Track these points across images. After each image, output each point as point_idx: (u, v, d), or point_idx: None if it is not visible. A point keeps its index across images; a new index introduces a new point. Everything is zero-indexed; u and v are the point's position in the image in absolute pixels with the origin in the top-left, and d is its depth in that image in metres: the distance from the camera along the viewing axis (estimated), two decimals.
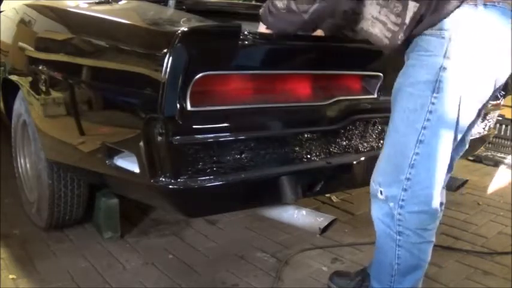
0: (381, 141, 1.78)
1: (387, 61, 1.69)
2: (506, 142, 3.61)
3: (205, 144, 1.34)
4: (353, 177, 1.76)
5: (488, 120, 2.31)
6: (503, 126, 3.59)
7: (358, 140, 1.71)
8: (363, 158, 1.70)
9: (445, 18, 1.18)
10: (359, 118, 1.67)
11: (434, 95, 1.19)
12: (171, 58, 1.20)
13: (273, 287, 1.77)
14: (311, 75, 1.59)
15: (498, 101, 2.30)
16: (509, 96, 2.42)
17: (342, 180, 1.81)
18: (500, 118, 3.41)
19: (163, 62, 1.21)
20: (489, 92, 1.26)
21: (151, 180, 1.34)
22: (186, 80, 1.25)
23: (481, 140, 2.37)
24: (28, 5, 2.06)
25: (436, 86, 1.19)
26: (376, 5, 1.27)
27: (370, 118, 1.71)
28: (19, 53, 1.99)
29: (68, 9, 1.83)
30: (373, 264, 1.48)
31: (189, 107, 1.28)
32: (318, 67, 1.57)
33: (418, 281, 1.41)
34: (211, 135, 1.35)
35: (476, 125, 1.45)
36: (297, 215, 1.63)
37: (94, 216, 2.14)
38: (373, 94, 1.72)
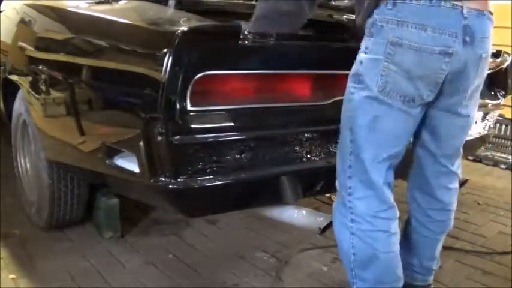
0: None
1: None
2: (506, 142, 3.61)
3: (205, 144, 1.34)
4: None
5: (488, 120, 2.31)
6: (503, 126, 3.59)
7: None
8: None
9: (365, 16, 1.23)
10: None
11: (356, 85, 1.24)
12: (171, 58, 1.21)
13: (273, 287, 1.77)
14: (311, 75, 1.59)
15: (498, 101, 2.30)
16: (509, 96, 2.42)
17: None
18: (500, 118, 3.40)
19: (163, 62, 1.21)
20: (411, 91, 1.20)
21: (151, 180, 1.34)
22: (186, 80, 1.25)
23: (481, 140, 2.37)
24: (28, 5, 2.06)
25: (356, 79, 1.24)
26: None
27: None
28: (19, 52, 1.99)
29: (68, 9, 1.83)
30: None
31: (189, 107, 1.28)
32: (318, 67, 1.57)
33: (381, 274, 1.35)
34: (211, 135, 1.35)
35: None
36: (297, 215, 1.63)
37: (94, 216, 2.14)
38: None
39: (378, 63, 1.19)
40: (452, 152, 1.45)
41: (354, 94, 1.25)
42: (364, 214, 1.31)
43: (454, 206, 1.53)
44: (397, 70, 1.17)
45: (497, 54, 2.28)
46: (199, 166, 1.35)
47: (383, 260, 1.33)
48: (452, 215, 1.55)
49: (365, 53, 1.22)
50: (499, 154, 3.59)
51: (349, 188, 1.31)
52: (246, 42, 1.33)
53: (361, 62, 1.23)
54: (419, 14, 1.14)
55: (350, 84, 1.26)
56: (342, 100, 1.60)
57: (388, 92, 1.20)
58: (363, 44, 1.24)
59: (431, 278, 1.65)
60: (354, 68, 1.26)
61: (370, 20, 1.22)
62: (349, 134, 1.28)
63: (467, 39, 1.18)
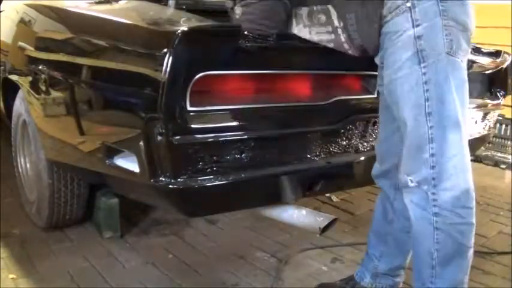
0: None
1: None
2: (506, 142, 3.61)
3: (205, 144, 1.34)
4: (353, 177, 1.76)
5: (488, 119, 2.31)
6: (503, 126, 3.59)
7: (358, 139, 1.71)
8: (362, 158, 1.70)
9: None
10: (359, 118, 1.67)
11: (422, 65, 1.18)
12: (171, 58, 1.20)
13: (273, 287, 1.77)
14: (311, 75, 1.59)
15: (498, 101, 2.30)
16: (509, 96, 2.42)
17: (342, 180, 1.81)
18: (500, 118, 3.41)
19: (163, 62, 1.21)
20: (468, 45, 1.24)
21: (151, 180, 1.34)
22: (186, 80, 1.25)
23: (481, 140, 2.37)
24: (28, 5, 2.06)
25: (420, 56, 1.18)
26: (304, 28, 1.36)
27: (370, 118, 1.71)
28: (19, 52, 1.99)
29: (68, 9, 1.83)
30: (413, 262, 1.36)
31: (189, 107, 1.28)
32: (318, 67, 1.57)
33: (462, 272, 1.28)
34: (211, 135, 1.35)
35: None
36: (297, 215, 1.63)
37: (94, 216, 2.14)
38: (373, 94, 1.72)
39: (437, 26, 1.17)
40: None
41: (426, 74, 1.18)
42: (452, 207, 1.22)
43: None
44: (455, 25, 1.18)
45: (497, 54, 2.28)
46: (199, 166, 1.35)
47: (467, 257, 1.28)
48: None
49: (417, 26, 1.17)
50: (499, 154, 3.59)
51: (433, 179, 1.22)
52: (246, 42, 1.33)
53: (418, 37, 1.17)
54: None
55: (414, 68, 1.18)
56: (342, 100, 1.61)
57: (455, 50, 1.19)
58: (402, 23, 1.19)
59: None
60: (408, 49, 1.19)
61: None
62: (426, 121, 1.19)
63: None
